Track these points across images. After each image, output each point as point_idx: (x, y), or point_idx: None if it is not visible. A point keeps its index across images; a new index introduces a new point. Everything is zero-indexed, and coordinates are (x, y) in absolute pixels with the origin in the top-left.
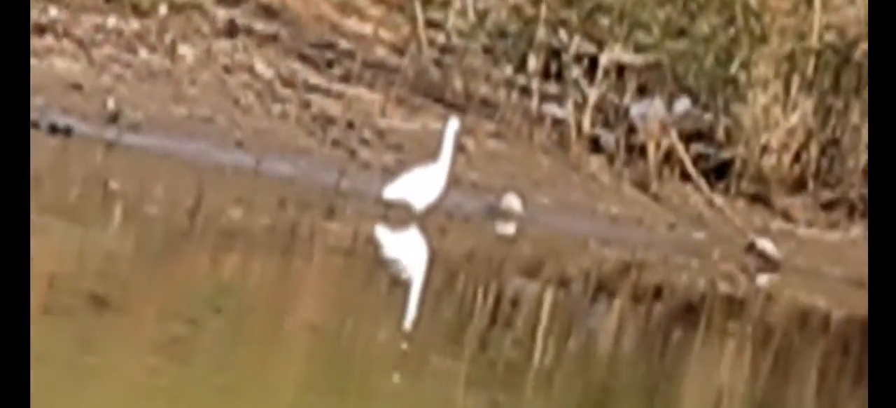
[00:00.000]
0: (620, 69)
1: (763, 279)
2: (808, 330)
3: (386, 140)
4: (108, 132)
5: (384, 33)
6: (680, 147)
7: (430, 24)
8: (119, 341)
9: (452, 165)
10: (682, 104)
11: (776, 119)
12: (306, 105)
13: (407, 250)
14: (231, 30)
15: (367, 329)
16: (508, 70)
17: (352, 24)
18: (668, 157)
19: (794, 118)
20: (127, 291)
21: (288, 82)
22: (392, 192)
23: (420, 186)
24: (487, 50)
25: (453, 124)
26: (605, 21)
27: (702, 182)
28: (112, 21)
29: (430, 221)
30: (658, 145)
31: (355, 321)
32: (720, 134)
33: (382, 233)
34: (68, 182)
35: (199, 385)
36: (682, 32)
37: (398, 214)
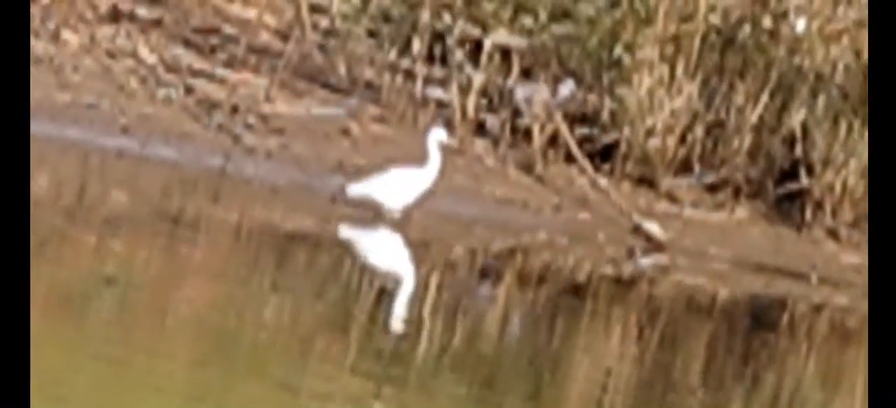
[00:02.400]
0: (505, 52)
1: (648, 261)
2: (694, 311)
3: (270, 125)
4: None
5: (268, 18)
6: (565, 130)
7: (314, 8)
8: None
9: (440, 173)
10: (567, 87)
11: (661, 101)
12: (190, 90)
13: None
14: (115, 15)
15: (253, 311)
16: (392, 54)
17: (236, 9)
18: (553, 139)
19: (679, 100)
20: None
21: (172, 67)
22: (360, 189)
23: (398, 187)
24: (372, 34)
25: (438, 133)
26: (489, 4)
27: (587, 164)
28: None
29: (315, 205)
30: (543, 128)
31: (242, 304)
32: (605, 116)
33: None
34: None
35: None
36: (566, 15)
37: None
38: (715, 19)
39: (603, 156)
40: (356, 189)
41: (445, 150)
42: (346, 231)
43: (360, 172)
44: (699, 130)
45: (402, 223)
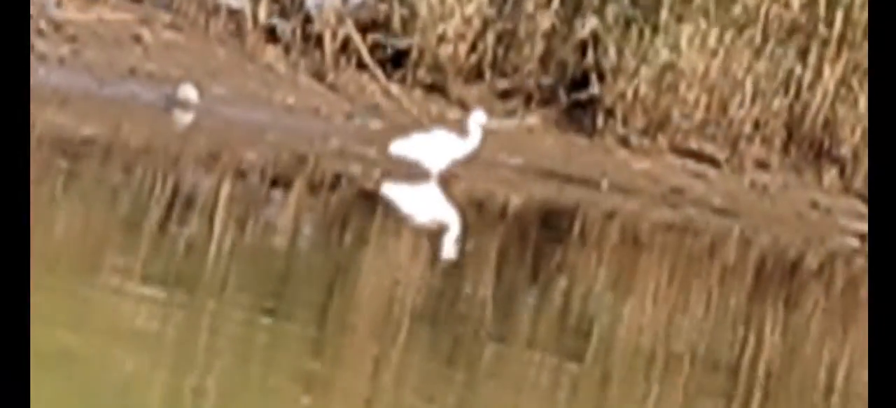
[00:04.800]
0: None
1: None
2: (486, 218)
3: (62, 31)
4: None
5: None
6: (356, 37)
7: None
8: None
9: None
10: None
11: (452, 8)
12: None
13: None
14: None
15: (43, 219)
16: None
17: None
18: (345, 46)
19: (470, 7)
20: None
21: None
22: (402, 148)
23: (439, 149)
24: None
25: (479, 116)
26: None
27: (378, 72)
28: None
29: (110, 113)
30: (334, 35)
31: (32, 211)
32: (396, 23)
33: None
34: None
35: None
36: None
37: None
38: None
39: (394, 63)
40: (398, 147)
41: (484, 129)
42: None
43: (152, 79)
44: (490, 38)
45: (194, 131)
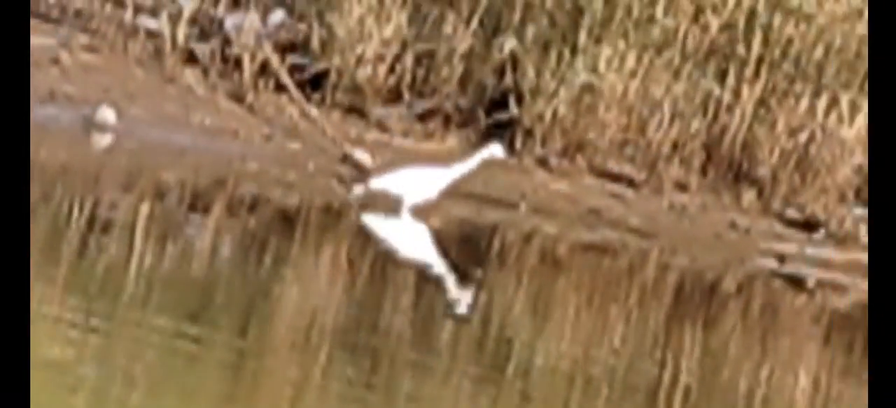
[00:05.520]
0: None
1: (359, 190)
2: None
3: None
4: None
5: None
6: (275, 58)
7: None
8: None
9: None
10: (277, 15)
11: (370, 30)
12: None
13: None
14: None
15: None
16: None
17: None
18: (263, 68)
19: (389, 29)
20: None
21: None
22: (381, 183)
23: (418, 183)
24: None
25: (496, 149)
26: None
27: (297, 93)
28: None
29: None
30: (253, 57)
31: None
32: (315, 45)
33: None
34: None
35: None
36: None
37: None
38: None
39: (313, 85)
40: (379, 183)
41: (492, 163)
42: None
43: (71, 101)
44: (409, 59)
45: (113, 153)
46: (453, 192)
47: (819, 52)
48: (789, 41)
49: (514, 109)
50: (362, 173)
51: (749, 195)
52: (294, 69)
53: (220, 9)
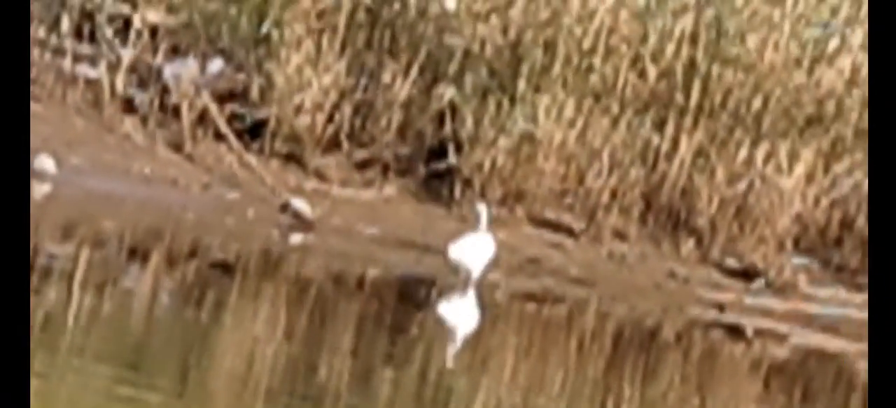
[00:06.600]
0: (153, 30)
1: (297, 239)
2: (343, 289)
3: None
4: None
5: None
6: (213, 107)
7: None
8: None
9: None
10: (216, 64)
11: (309, 78)
12: None
13: None
14: None
15: None
16: (41, 31)
17: None
18: (202, 117)
19: (328, 78)
20: None
21: None
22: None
23: (475, 251)
24: None
25: (483, 209)
26: None
27: (236, 142)
28: None
29: None
30: (192, 106)
31: None
32: (254, 94)
33: None
34: None
35: None
36: None
37: None
38: None
39: (252, 133)
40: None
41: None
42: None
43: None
44: (347, 108)
45: (51, 202)
46: (391, 240)
47: (758, 101)
48: (728, 90)
49: (452, 157)
50: (302, 222)
51: (688, 244)
52: (233, 118)
53: (159, 57)
